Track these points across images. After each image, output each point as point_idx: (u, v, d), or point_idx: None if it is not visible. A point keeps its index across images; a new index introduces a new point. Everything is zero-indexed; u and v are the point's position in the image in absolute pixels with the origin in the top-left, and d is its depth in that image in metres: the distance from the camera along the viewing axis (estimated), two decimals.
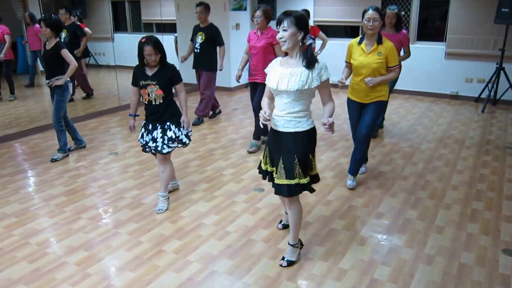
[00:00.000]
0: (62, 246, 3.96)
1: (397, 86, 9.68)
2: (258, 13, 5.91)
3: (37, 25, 9.47)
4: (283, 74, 3.30)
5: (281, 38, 3.25)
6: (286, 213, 3.91)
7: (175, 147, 4.53)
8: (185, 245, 3.95)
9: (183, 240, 4.02)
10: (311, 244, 3.95)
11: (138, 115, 4.66)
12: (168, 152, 4.51)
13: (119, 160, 6.04)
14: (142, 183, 5.27)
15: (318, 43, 7.86)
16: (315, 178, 3.59)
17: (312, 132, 3.42)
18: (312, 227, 4.21)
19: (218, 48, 7.53)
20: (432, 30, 10.12)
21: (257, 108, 6.13)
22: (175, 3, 10.52)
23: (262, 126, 6.10)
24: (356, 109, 5.03)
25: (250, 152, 6.30)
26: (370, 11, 4.63)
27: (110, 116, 8.41)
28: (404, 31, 6.57)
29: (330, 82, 3.37)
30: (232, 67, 10.23)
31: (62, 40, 8.60)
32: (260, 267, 3.61)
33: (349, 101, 5.08)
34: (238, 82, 6.50)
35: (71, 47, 8.22)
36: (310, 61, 3.25)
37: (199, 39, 7.43)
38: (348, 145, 6.49)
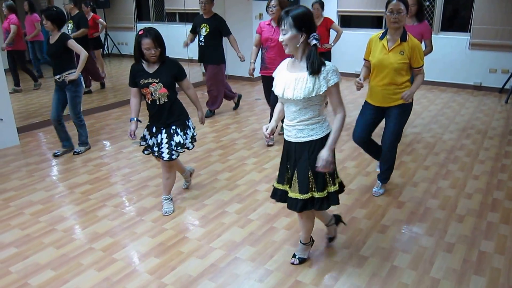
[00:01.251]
0: (87, 232, 4.06)
1: None
2: (273, 2, 5.71)
3: (35, 14, 9.42)
4: (289, 80, 3.03)
5: (282, 41, 2.98)
6: (327, 225, 3.70)
7: (181, 152, 4.25)
8: (208, 232, 4.02)
9: (207, 228, 4.09)
10: None
11: (140, 121, 4.32)
12: (174, 159, 4.21)
13: (140, 149, 6.12)
14: None
15: (333, 36, 7.74)
16: (336, 196, 3.26)
17: (327, 138, 3.12)
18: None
19: (226, 39, 7.22)
20: (460, 20, 9.97)
21: (275, 105, 6.07)
22: None
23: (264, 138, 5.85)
24: (370, 112, 4.44)
25: (269, 145, 6.27)
26: (394, 1, 4.03)
27: None
28: (426, 22, 5.80)
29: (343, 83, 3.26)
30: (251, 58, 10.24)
31: (69, 32, 8.50)
32: (282, 254, 3.67)
33: (365, 104, 4.52)
34: (253, 76, 6.34)
35: (80, 38, 8.22)
36: (313, 67, 2.92)
37: (203, 31, 7.10)
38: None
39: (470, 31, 9.33)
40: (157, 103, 4.08)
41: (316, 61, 2.91)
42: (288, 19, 2.89)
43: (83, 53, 5.51)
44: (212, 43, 7.12)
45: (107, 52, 11.95)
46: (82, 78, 5.75)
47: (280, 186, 3.30)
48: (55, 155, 5.90)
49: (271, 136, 3.21)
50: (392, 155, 4.57)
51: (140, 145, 4.37)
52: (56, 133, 6.01)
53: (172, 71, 4.06)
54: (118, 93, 9.48)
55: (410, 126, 6.96)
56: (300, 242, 3.58)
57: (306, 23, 2.89)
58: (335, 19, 10.56)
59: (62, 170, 5.44)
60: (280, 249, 3.74)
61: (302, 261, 3.58)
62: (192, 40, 7.50)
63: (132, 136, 4.25)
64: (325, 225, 3.69)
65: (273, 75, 3.23)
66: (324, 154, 2.99)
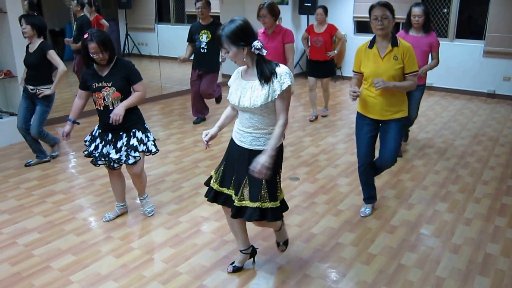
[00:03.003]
0: (107, 222, 4.23)
1: (435, 83, 9.76)
2: (263, 11, 5.52)
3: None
4: (244, 88, 2.98)
5: (230, 59, 2.96)
6: (241, 251, 3.52)
7: (139, 157, 3.97)
8: (222, 226, 4.16)
9: (221, 222, 4.24)
10: (342, 229, 4.13)
11: (78, 123, 4.19)
12: (134, 163, 3.95)
13: (160, 146, 6.25)
14: (182, 168, 5.50)
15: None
16: (283, 205, 3.25)
17: (280, 149, 3.08)
18: (343, 215, 4.37)
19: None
20: (474, 28, 10.02)
21: None
22: None
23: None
24: (369, 128, 4.11)
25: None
26: (377, 7, 3.79)
27: (152, 104, 8.67)
28: (434, 33, 5.64)
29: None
30: None
31: (72, 34, 8.43)
32: (293, 249, 3.80)
33: (359, 116, 4.19)
34: None
35: (78, 40, 7.93)
36: (263, 75, 2.89)
37: (204, 38, 6.79)
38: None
39: (484, 39, 9.39)
40: (110, 108, 3.85)
41: (265, 69, 2.89)
42: (223, 38, 2.84)
43: (61, 67, 5.19)
44: (214, 49, 6.77)
45: (127, 52, 12.12)
46: (54, 94, 5.42)
47: (225, 190, 3.22)
48: (28, 165, 5.55)
49: (209, 143, 3.23)
50: (383, 167, 4.37)
51: (87, 155, 4.13)
52: (26, 143, 5.68)
53: (123, 74, 3.85)
54: None
55: (423, 131, 7.06)
56: (277, 242, 3.61)
57: (242, 36, 2.84)
58: (351, 24, 10.72)
59: (82, 163, 5.59)
60: (291, 244, 3.85)
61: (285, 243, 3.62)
62: (191, 53, 7.08)
63: (65, 137, 4.10)
64: (240, 250, 3.55)
65: (228, 83, 3.18)
66: (262, 158, 2.84)
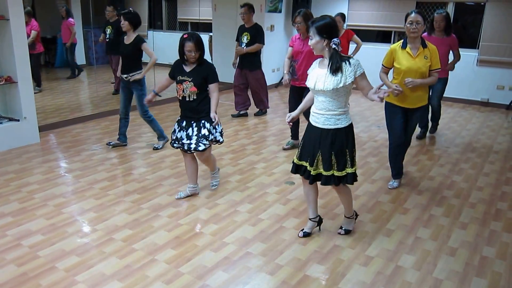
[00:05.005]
0: (108, 224, 4.28)
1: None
2: (298, 19, 5.99)
3: (70, 19, 9.91)
4: (320, 75, 3.61)
5: (310, 45, 3.64)
6: (310, 219, 4.15)
7: (209, 145, 4.62)
8: (221, 229, 4.23)
9: (219, 225, 4.30)
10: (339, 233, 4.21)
11: (160, 96, 5.03)
12: (204, 149, 4.57)
13: (157, 150, 6.36)
14: (178, 173, 5.56)
15: (352, 46, 8.05)
16: (352, 176, 3.79)
17: (350, 127, 3.72)
18: (339, 218, 4.43)
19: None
20: (468, 37, 10.18)
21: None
22: (212, 3, 10.82)
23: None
24: (401, 115, 4.95)
25: (285, 149, 6.55)
26: (413, 14, 4.67)
27: None
28: (453, 35, 6.70)
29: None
30: (263, 66, 10.46)
31: (107, 36, 9.11)
32: (292, 251, 3.88)
33: (391, 106, 4.99)
34: (287, 86, 6.42)
35: (116, 43, 8.61)
36: (332, 67, 3.53)
37: (245, 39, 7.83)
38: (376, 145, 6.72)
39: (478, 48, 9.53)
40: (187, 99, 4.51)
41: (335, 62, 3.52)
42: (313, 27, 3.55)
43: (153, 57, 5.96)
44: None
45: None
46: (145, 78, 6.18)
47: (303, 163, 3.86)
48: (108, 144, 6.46)
49: (290, 124, 4.00)
50: (408, 146, 5.33)
51: (171, 140, 4.73)
52: (118, 125, 6.48)
53: (204, 74, 4.49)
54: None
55: (417, 138, 7.15)
56: (345, 216, 4.18)
57: (327, 31, 3.52)
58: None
59: (81, 168, 5.65)
60: (290, 246, 3.94)
61: (347, 232, 4.18)
62: (237, 57, 8.22)
63: (146, 103, 5.10)
64: (309, 218, 4.18)
65: (308, 71, 3.82)
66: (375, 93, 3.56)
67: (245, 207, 4.70)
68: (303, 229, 4.15)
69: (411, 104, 4.89)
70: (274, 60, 11.04)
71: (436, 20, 6.51)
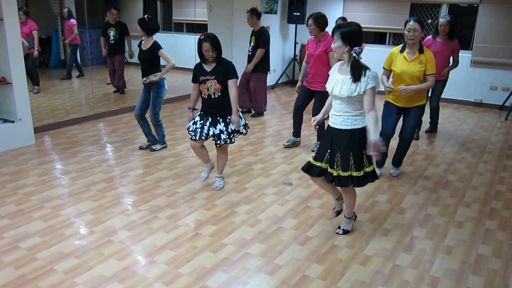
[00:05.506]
0: (106, 226, 4.28)
1: None
2: (309, 21, 6.06)
3: (72, 20, 9.92)
4: (338, 80, 3.76)
5: (333, 48, 3.77)
6: (336, 200, 4.33)
7: (237, 136, 5.00)
8: (220, 229, 4.24)
9: (218, 226, 4.32)
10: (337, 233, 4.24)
11: (196, 109, 5.01)
12: (233, 142, 4.98)
13: (154, 152, 6.36)
14: (176, 174, 5.57)
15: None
16: (372, 175, 3.90)
17: (364, 132, 3.77)
18: (337, 218, 4.45)
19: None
20: (462, 38, 10.22)
21: (297, 115, 6.58)
22: (208, 4, 10.80)
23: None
24: (395, 111, 5.27)
25: (286, 146, 6.62)
26: (411, 22, 4.90)
27: None
28: (456, 40, 6.89)
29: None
30: None
31: (112, 38, 9.26)
32: (291, 251, 3.90)
33: (388, 103, 5.33)
34: (297, 92, 6.55)
35: (120, 44, 9.27)
36: (355, 75, 3.63)
37: (251, 42, 8.07)
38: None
39: (471, 49, 9.59)
40: (212, 97, 4.76)
41: (357, 70, 3.63)
42: (337, 32, 3.67)
43: (171, 62, 6.03)
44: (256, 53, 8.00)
45: None
46: (165, 81, 6.24)
47: (318, 163, 3.93)
48: (141, 148, 6.50)
49: (316, 127, 4.14)
50: (410, 142, 5.47)
51: (191, 132, 4.90)
52: (140, 129, 6.55)
53: (224, 70, 4.70)
54: (127, 99, 9.69)
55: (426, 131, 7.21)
56: (344, 216, 4.24)
57: (350, 38, 3.63)
58: None
59: (78, 169, 5.65)
60: (288, 246, 3.96)
61: (345, 232, 4.22)
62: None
63: (190, 121, 5.01)
64: (335, 200, 4.34)
65: (329, 72, 3.96)
66: (372, 138, 3.59)
67: (243, 208, 4.71)
68: (334, 208, 4.38)
69: (406, 103, 5.17)
70: (270, 62, 11.02)
71: (441, 25, 6.72)
